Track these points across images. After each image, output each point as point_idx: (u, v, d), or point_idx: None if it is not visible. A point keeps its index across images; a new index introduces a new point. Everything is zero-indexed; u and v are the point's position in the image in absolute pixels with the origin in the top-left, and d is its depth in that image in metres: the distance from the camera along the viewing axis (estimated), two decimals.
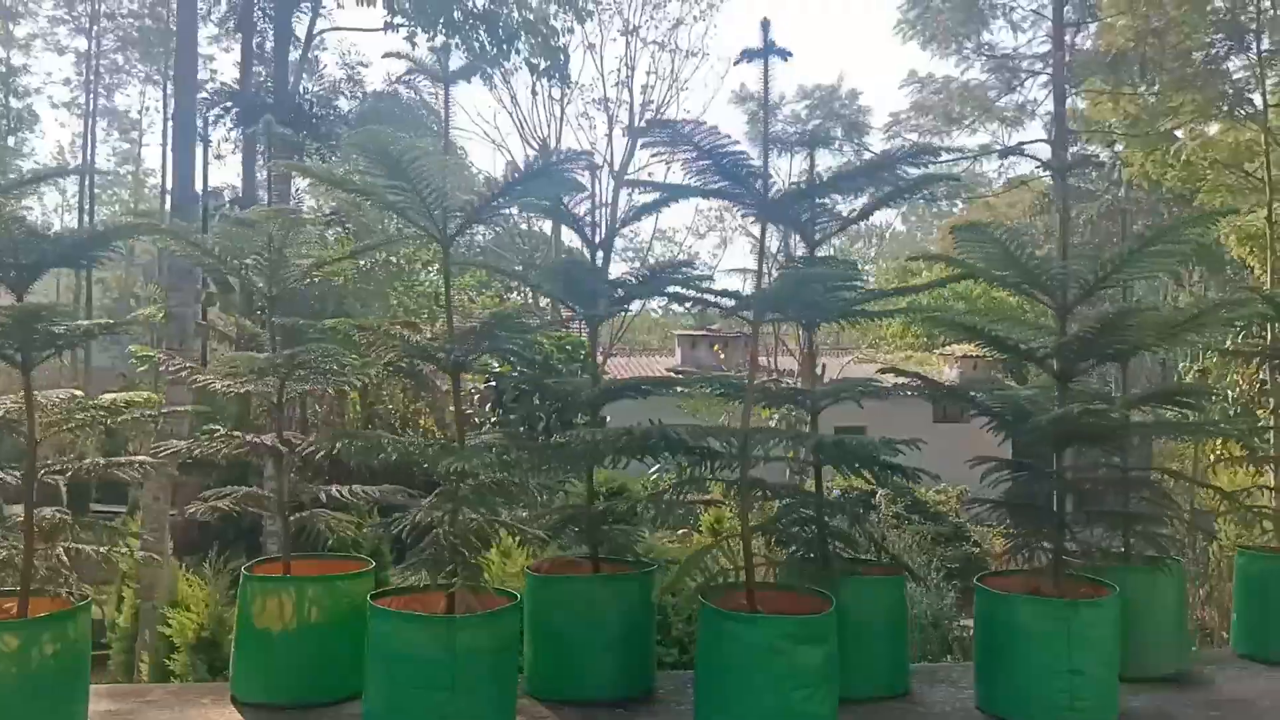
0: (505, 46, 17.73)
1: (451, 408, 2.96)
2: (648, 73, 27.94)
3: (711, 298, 3.01)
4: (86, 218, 30.26)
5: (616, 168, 25.17)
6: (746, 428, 2.82)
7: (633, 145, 25.02)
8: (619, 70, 24.82)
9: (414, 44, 17.67)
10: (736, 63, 2.89)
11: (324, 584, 2.97)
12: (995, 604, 3.00)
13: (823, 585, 2.92)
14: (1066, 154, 15.36)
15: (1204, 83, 15.33)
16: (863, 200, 3.34)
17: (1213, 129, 21.12)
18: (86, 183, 30.96)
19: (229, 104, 14.82)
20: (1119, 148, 25.04)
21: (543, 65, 18.97)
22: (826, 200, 3.28)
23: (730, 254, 33.40)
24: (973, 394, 3.08)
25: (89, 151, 33.16)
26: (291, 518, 3.10)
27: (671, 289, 3.11)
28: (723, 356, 25.46)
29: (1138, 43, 14.54)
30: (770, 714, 2.63)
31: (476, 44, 17.48)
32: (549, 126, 25.74)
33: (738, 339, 27.77)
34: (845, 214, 3.47)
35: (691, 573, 2.98)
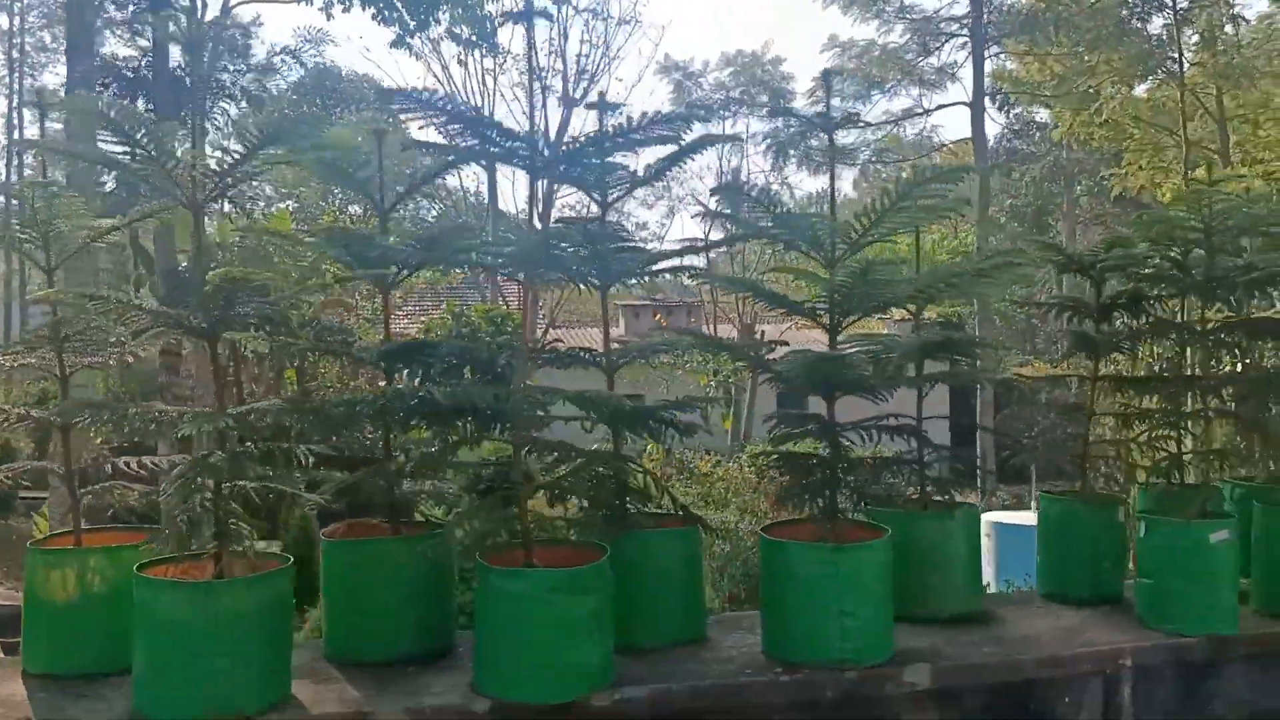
0: (425, 17, 17.44)
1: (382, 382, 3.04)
2: (581, 41, 27.65)
3: (489, 260, 3.04)
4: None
5: (552, 137, 24.96)
6: (519, 389, 2.87)
7: (567, 115, 24.87)
8: (552, 39, 24.51)
9: (330, 15, 17.38)
10: (501, 23, 2.90)
11: (107, 555, 2.97)
12: (773, 551, 3.09)
13: (617, 539, 3.00)
14: (983, 115, 15.52)
15: (1121, 42, 15.50)
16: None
17: (1141, 88, 21.49)
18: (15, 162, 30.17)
19: (108, 79, 14.47)
20: (1049, 109, 25.41)
21: (465, 34, 18.69)
22: (620, 158, 3.30)
23: (678, 223, 33.51)
24: (751, 352, 3.14)
25: (19, 132, 32.30)
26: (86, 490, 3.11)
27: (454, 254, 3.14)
28: (665, 325, 25.63)
29: (1049, 3, 14.66)
30: (539, 664, 2.71)
31: (394, 14, 17.18)
32: (481, 98, 25.44)
33: (680, 308, 27.94)
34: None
35: (465, 528, 3.02)
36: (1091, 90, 18.45)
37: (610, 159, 3.18)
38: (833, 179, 3.31)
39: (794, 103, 16.58)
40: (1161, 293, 3.69)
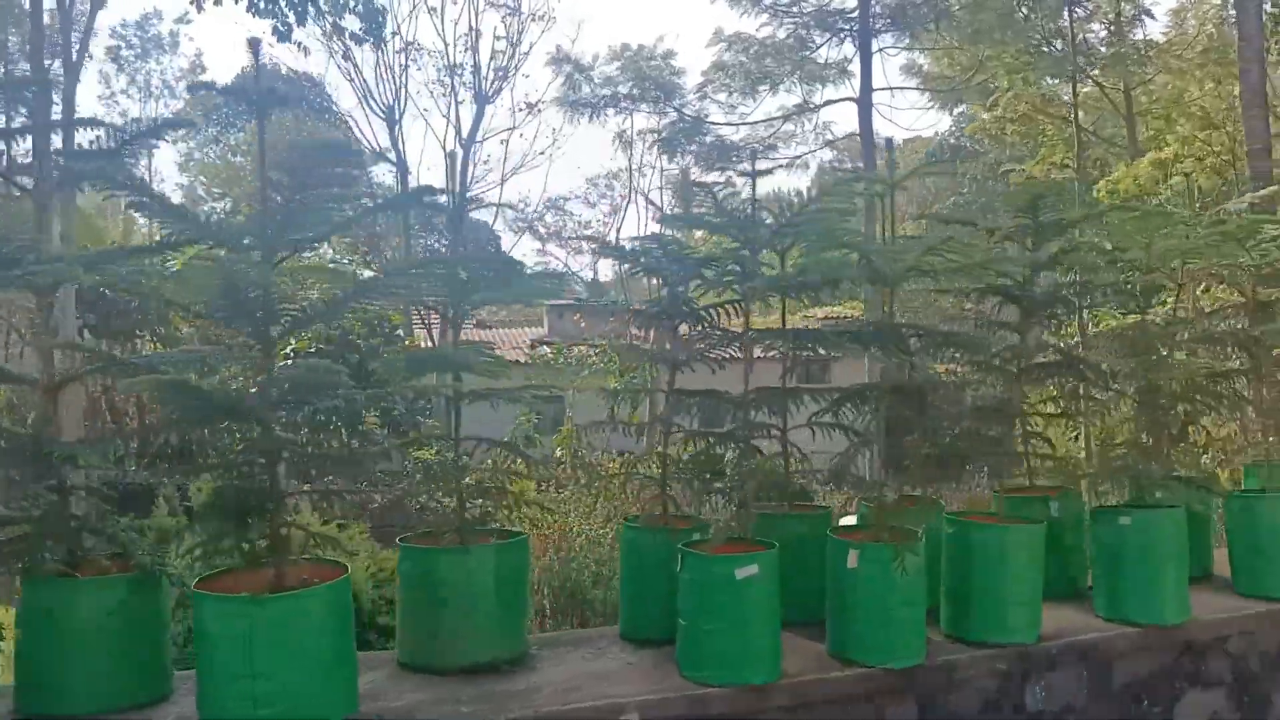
0: (301, 10, 16.93)
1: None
2: (497, 38, 27.20)
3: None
4: None
5: (465, 135, 24.51)
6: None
7: (480, 111, 24.43)
8: (468, 36, 24.00)
9: (201, 7, 16.83)
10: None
11: None
12: (198, 606, 2.68)
13: None
14: (871, 110, 15.18)
15: (1007, 36, 15.25)
16: None
17: (1055, 83, 21.33)
18: None
19: None
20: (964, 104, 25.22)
21: (349, 27, 18.17)
22: None
23: (625, 222, 33.35)
24: None
25: None
26: None
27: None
28: (584, 325, 25.26)
29: None
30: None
31: (269, 5, 16.62)
32: (394, 95, 24.91)
33: (603, 309, 27.58)
34: None
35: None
36: (988, 85, 18.23)
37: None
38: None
39: (683, 98, 16.18)
40: None
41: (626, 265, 3.37)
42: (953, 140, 35.28)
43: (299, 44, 24.45)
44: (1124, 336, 3.47)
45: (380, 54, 25.06)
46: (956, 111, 31.42)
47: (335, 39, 18.96)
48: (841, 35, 15.14)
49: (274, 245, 2.56)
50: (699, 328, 3.34)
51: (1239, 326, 3.83)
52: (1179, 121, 21.56)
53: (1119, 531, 3.45)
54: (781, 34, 14.21)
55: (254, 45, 2.58)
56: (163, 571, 2.77)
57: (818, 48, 15.04)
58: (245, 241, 2.57)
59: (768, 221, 3.18)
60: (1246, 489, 4.02)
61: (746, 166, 3.30)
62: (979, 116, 21.09)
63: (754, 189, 3.21)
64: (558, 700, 2.83)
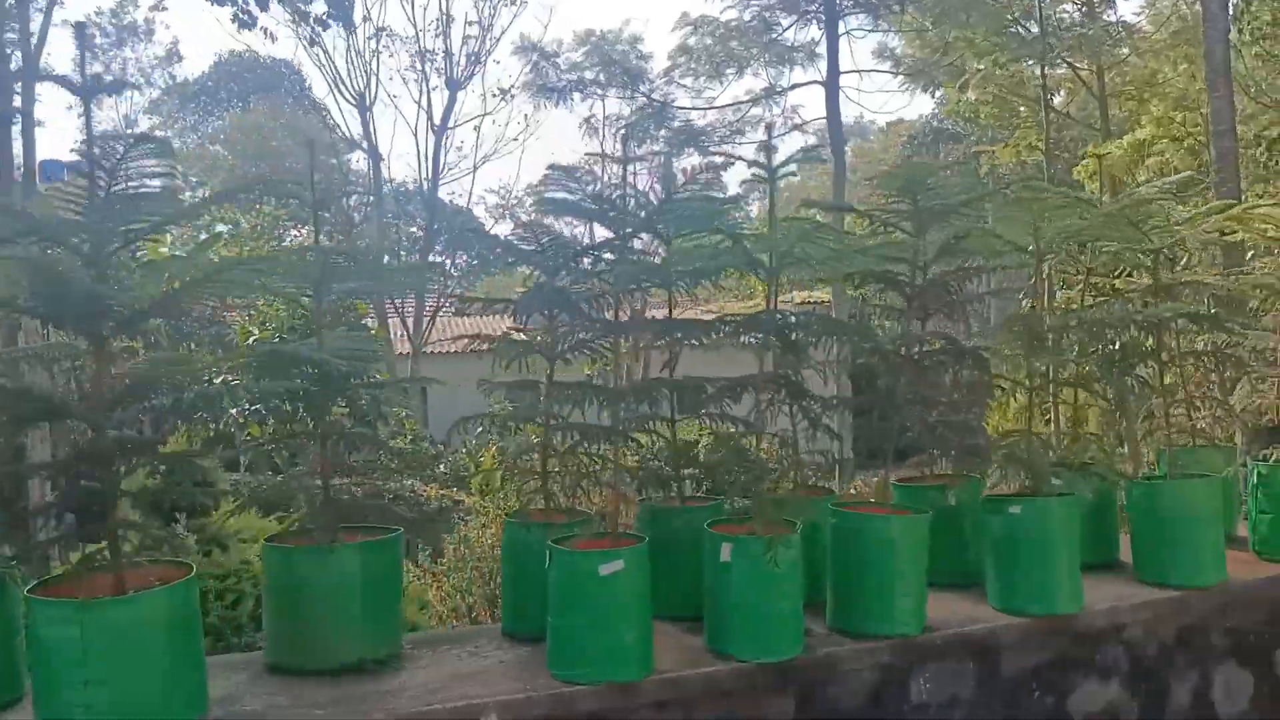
0: None
1: None
2: (469, 23, 26.95)
3: None
4: None
5: (438, 121, 24.31)
6: None
7: (453, 98, 24.23)
8: (439, 21, 23.78)
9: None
10: None
11: None
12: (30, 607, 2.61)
13: None
14: (838, 93, 15.09)
15: (977, 16, 15.15)
16: None
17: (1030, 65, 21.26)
18: None
19: None
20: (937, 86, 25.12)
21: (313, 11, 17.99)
22: None
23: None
24: None
25: None
26: None
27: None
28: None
29: None
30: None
31: None
32: (365, 82, 24.69)
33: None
34: None
35: None
36: (960, 68, 18.14)
37: None
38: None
39: (651, 83, 16.03)
40: None
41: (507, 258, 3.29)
42: (936, 124, 35.17)
43: (265, 30, 24.12)
44: (1013, 325, 3.40)
45: (351, 40, 24.82)
46: (938, 95, 31.39)
47: (301, 24, 18.74)
48: (808, 17, 15.01)
49: (103, 238, 2.47)
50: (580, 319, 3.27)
51: (1140, 308, 3.77)
52: (1152, 102, 21.54)
53: (1009, 521, 3.40)
54: (746, 16, 14.06)
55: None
56: (9, 576, 2.70)
57: (784, 30, 14.91)
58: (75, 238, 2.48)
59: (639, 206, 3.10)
60: (1150, 475, 3.97)
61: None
62: (953, 100, 21.01)
63: (624, 172, 3.13)
64: (419, 702, 2.77)
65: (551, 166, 3.04)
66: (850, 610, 3.23)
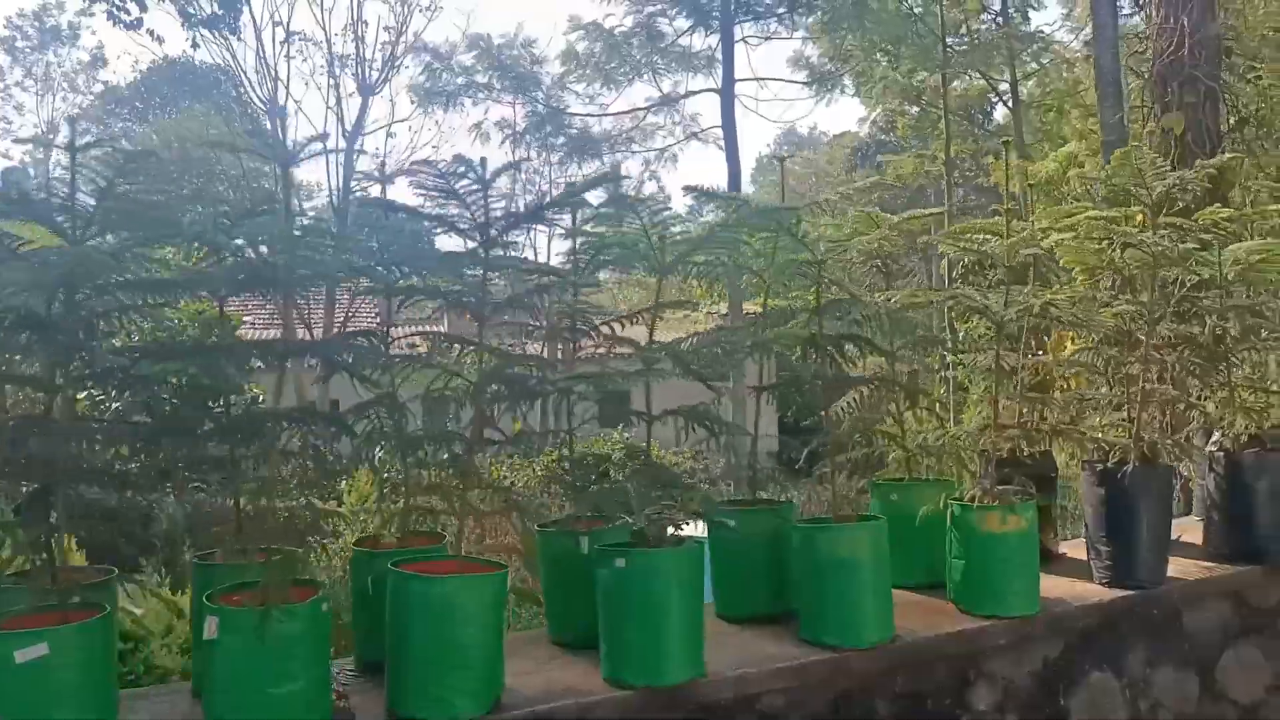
0: None
1: None
2: (384, 28, 26.40)
3: None
4: None
5: (349, 126, 23.70)
6: None
7: (365, 103, 23.64)
8: (351, 25, 23.18)
9: None
10: None
11: None
12: None
13: None
14: (734, 101, 14.69)
15: (870, 22, 14.83)
16: None
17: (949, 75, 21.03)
18: None
19: None
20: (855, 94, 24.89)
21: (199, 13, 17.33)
22: None
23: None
24: None
25: None
26: None
27: None
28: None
29: None
30: None
31: None
32: (273, 87, 24.02)
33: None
34: None
35: None
36: (867, 75, 17.83)
37: None
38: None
39: (545, 88, 15.56)
40: None
41: None
42: (881, 137, 35.17)
43: (152, 32, 23.44)
44: None
45: (259, 45, 24.23)
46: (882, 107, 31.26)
47: (187, 26, 18.06)
48: (700, 23, 14.62)
49: None
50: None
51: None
52: (1071, 112, 21.43)
53: (618, 576, 2.92)
54: (629, 23, 13.63)
55: None
56: None
57: (677, 37, 14.50)
58: None
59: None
60: (814, 517, 3.51)
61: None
62: (869, 110, 20.77)
63: (484, 170, 2.85)
64: None
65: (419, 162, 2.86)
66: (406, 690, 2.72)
